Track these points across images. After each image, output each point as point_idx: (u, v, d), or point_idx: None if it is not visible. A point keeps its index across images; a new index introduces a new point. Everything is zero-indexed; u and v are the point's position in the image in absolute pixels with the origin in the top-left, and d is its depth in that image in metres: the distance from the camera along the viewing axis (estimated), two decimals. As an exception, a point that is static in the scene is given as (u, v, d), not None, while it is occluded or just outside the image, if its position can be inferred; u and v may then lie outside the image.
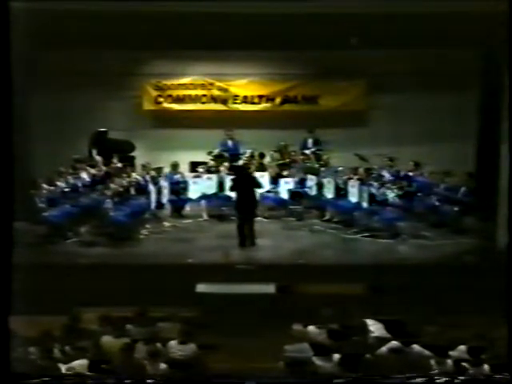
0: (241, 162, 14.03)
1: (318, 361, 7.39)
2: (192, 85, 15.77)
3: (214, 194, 13.42)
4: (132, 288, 9.50)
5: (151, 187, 12.78)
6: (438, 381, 6.57)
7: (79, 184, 12.75)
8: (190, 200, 13.53)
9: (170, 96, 15.77)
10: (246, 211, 11.67)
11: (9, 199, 5.88)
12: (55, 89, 14.05)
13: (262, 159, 14.27)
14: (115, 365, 7.33)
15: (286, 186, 13.47)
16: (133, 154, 14.91)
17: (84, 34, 12.94)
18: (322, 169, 13.84)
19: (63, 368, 7.24)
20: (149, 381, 6.55)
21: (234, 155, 14.48)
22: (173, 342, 7.94)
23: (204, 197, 13.42)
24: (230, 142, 14.86)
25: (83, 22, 12.30)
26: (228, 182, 13.03)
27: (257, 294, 9.82)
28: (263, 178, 13.16)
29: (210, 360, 7.81)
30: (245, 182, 11.89)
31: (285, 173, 13.74)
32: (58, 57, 13.78)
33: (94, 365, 7.23)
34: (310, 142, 14.97)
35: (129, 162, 14.10)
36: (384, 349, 7.71)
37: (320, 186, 13.28)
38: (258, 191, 12.22)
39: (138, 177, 13.01)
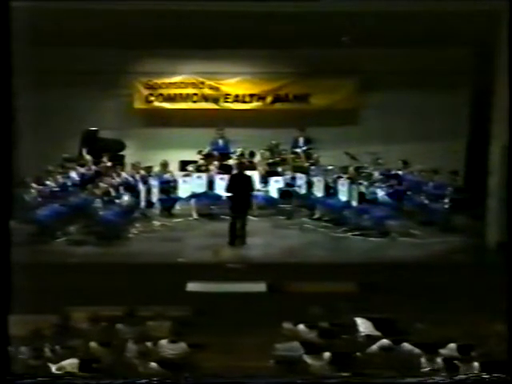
0: (231, 161, 14.02)
1: (308, 359, 7.40)
2: (183, 83, 15.74)
3: (204, 193, 13.40)
4: (122, 287, 9.47)
5: (141, 186, 12.76)
6: (435, 381, 6.59)
7: (68, 183, 12.71)
8: (180, 199, 13.51)
9: (161, 95, 15.74)
10: (240, 210, 11.69)
11: (6, 199, 5.85)
12: (44, 87, 13.93)
13: (252, 158, 14.27)
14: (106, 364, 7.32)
15: (275, 185, 13.48)
16: (123, 152, 14.89)
17: (74, 33, 12.90)
18: (312, 167, 13.87)
19: (53, 367, 7.22)
20: (142, 381, 6.52)
21: (224, 154, 14.46)
22: (163, 341, 7.93)
23: (194, 196, 13.40)
24: (220, 141, 14.84)
25: (73, 20, 12.25)
26: (218, 180, 13.03)
27: (247, 293, 9.82)
28: (253, 176, 13.16)
29: (200, 359, 7.79)
30: (241, 181, 11.90)
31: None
32: (48, 55, 13.66)
33: (85, 364, 7.21)
34: (301, 140, 14.98)
35: (119, 161, 14.08)
36: (374, 347, 7.72)
37: (310, 184, 13.30)
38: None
39: (127, 176, 12.99)
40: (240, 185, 11.82)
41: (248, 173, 12.56)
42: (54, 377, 6.85)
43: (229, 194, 12.00)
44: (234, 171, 12.76)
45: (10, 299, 5.73)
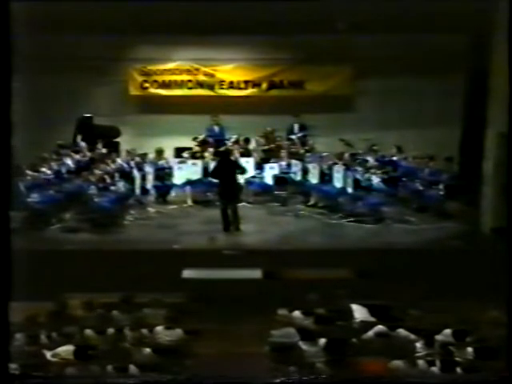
0: (224, 148, 13.97)
1: (304, 345, 7.42)
2: (178, 70, 15.70)
3: (199, 180, 13.38)
4: (117, 274, 9.47)
5: (136, 173, 12.74)
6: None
7: (63, 170, 12.67)
8: (175, 186, 13.49)
9: (156, 81, 15.70)
10: (229, 196, 11.66)
11: (5, 188, 5.81)
12: (40, 73, 13.87)
13: (247, 144, 14.25)
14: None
15: (270, 172, 13.47)
16: (118, 139, 14.85)
17: (69, 19, 12.83)
18: (308, 154, 13.86)
19: (48, 354, 7.24)
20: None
21: (219, 141, 14.43)
22: (159, 328, 7.94)
23: (189, 182, 13.38)
24: (215, 128, 14.80)
25: (68, 6, 12.17)
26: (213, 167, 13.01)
27: (243, 280, 9.83)
28: (248, 163, 13.15)
29: (196, 345, 7.82)
30: (227, 166, 11.87)
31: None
32: (43, 41, 13.58)
33: (80, 351, 7.22)
34: (296, 127, 14.94)
35: (114, 148, 14.04)
36: (370, 333, 7.76)
37: (305, 171, 13.29)
38: (243, 176, 12.23)
39: (122, 163, 12.97)
40: (227, 170, 11.78)
41: (241, 159, 12.56)
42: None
43: (215, 180, 11.96)
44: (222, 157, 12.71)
45: (10, 288, 5.70)
